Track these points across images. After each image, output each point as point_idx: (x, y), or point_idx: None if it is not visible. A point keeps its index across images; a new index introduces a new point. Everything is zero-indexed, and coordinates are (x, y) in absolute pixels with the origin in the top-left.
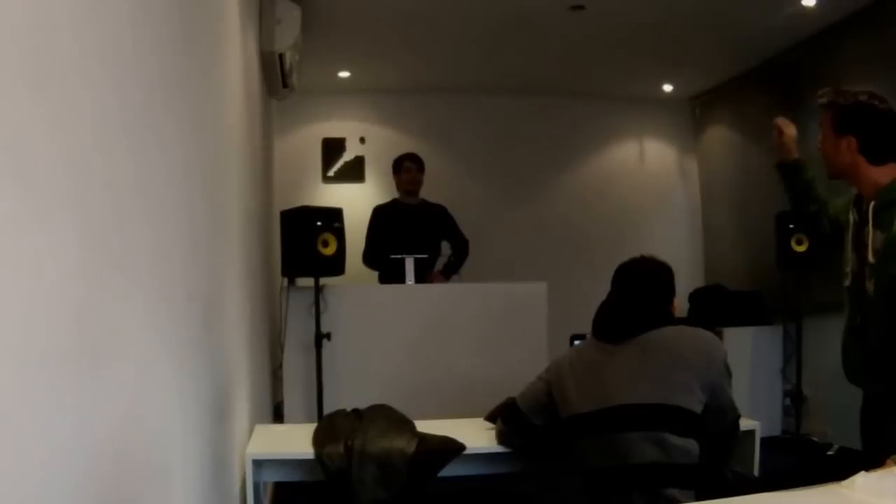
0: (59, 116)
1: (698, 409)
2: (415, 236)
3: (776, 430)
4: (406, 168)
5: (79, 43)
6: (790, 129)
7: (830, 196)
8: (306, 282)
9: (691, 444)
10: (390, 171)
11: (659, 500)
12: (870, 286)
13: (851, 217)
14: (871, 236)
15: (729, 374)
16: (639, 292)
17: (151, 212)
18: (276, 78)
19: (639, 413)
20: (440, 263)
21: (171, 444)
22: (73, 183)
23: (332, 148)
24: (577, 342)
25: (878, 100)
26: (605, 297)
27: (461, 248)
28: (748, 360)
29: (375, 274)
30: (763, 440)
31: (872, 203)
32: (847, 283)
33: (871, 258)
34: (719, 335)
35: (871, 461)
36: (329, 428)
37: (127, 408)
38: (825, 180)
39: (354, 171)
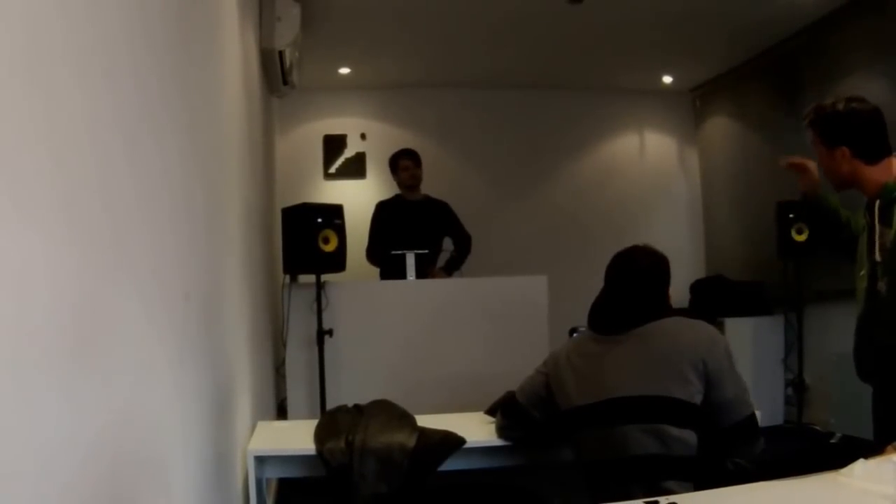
0: (50, 114)
1: (697, 399)
2: (417, 232)
3: (778, 420)
4: (403, 166)
5: (71, 39)
6: (811, 164)
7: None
8: (308, 278)
9: (690, 436)
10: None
11: (658, 492)
12: (882, 285)
13: (864, 220)
14: (879, 234)
15: (731, 363)
16: (633, 284)
17: (147, 211)
18: (276, 75)
19: (637, 405)
20: (442, 259)
21: (171, 442)
22: (65, 181)
23: (333, 144)
24: (575, 335)
25: (855, 102)
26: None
27: (464, 244)
28: (750, 349)
29: (377, 270)
30: (765, 429)
31: (878, 202)
32: (864, 284)
33: (877, 256)
34: (721, 326)
35: (874, 450)
36: (330, 424)
37: (123, 406)
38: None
39: (356, 168)
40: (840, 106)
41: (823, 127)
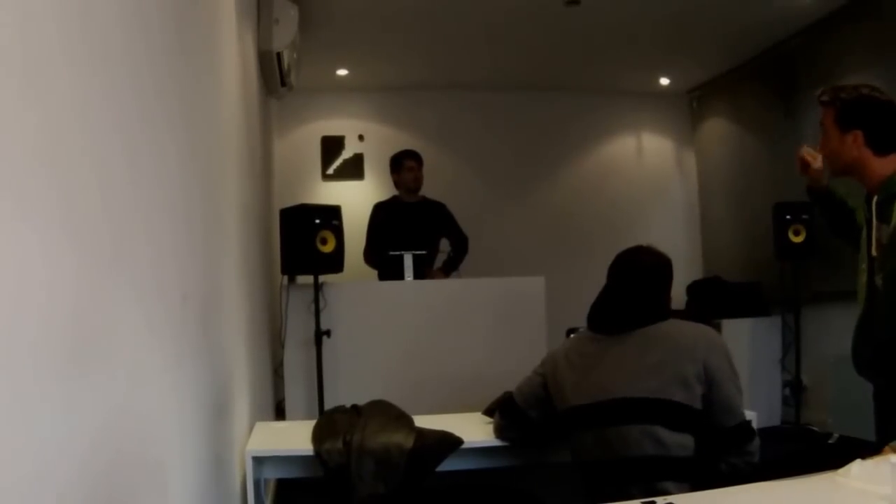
0: (47, 115)
1: (696, 403)
2: (414, 233)
3: (776, 421)
4: (408, 167)
5: (68, 41)
6: (817, 163)
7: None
8: (306, 279)
9: (687, 440)
10: (389, 168)
11: (655, 492)
12: (878, 280)
13: (863, 214)
14: (876, 230)
15: (731, 365)
16: (636, 283)
17: (145, 212)
18: (274, 77)
19: (635, 406)
20: (440, 261)
21: (168, 443)
22: (62, 183)
23: (331, 146)
24: (573, 335)
25: (875, 90)
26: (602, 289)
27: (461, 245)
28: (747, 351)
29: (375, 271)
30: (763, 430)
31: (876, 197)
32: (864, 279)
33: (874, 251)
34: (718, 327)
35: (873, 450)
36: (328, 424)
37: (121, 407)
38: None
39: (353, 169)
40: (865, 90)
41: (842, 107)
